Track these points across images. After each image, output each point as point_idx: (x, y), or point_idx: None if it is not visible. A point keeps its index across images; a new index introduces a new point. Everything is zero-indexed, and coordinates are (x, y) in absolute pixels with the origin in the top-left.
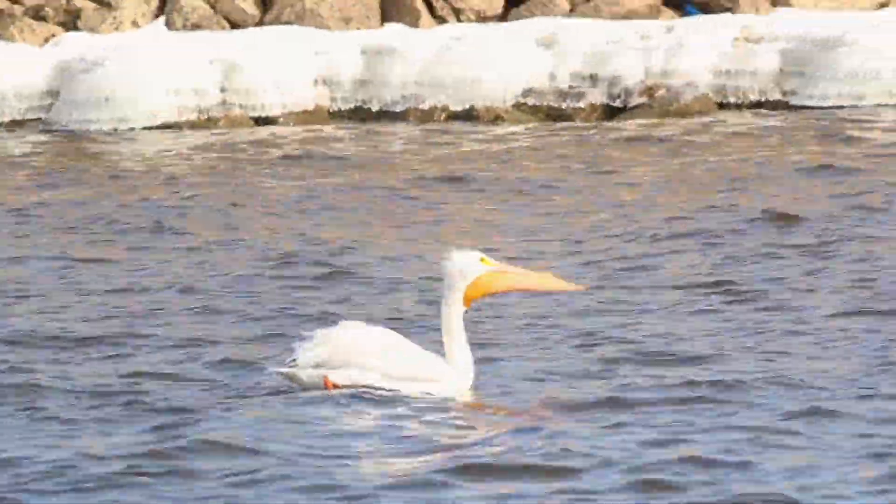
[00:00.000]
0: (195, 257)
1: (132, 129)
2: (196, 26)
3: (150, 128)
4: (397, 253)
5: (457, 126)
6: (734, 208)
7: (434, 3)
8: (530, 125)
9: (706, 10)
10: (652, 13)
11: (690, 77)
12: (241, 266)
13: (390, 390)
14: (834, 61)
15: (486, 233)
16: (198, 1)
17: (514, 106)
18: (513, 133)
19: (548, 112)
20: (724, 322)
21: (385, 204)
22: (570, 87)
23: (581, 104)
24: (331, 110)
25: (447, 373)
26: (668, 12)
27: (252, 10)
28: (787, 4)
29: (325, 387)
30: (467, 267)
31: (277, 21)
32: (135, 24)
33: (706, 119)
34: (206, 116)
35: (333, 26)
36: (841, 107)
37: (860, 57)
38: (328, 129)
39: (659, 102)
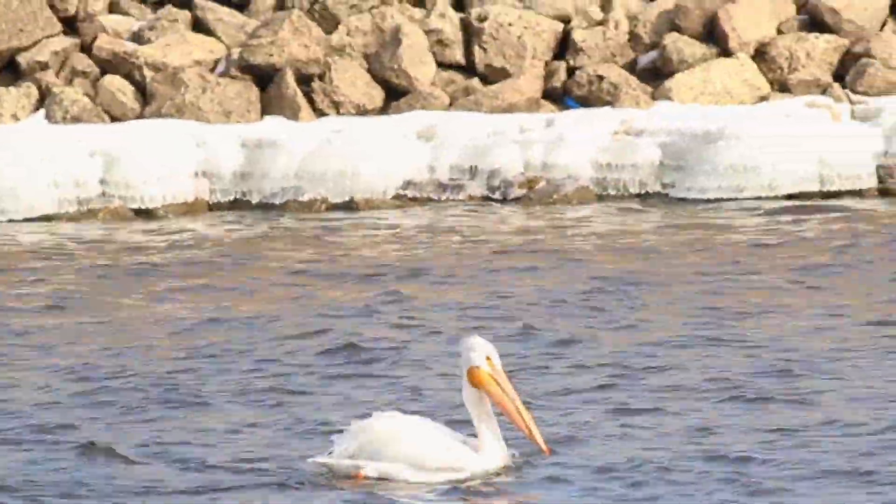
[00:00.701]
0: (67, 362)
1: (11, 220)
2: (76, 119)
3: (31, 219)
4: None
5: (336, 216)
6: (610, 296)
7: (314, 97)
8: (410, 212)
9: (587, 104)
10: (532, 107)
11: (571, 170)
12: (127, 361)
13: (417, 481)
14: (714, 154)
15: (366, 324)
16: (77, 94)
17: (393, 198)
18: (392, 223)
19: (427, 204)
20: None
21: (271, 300)
22: (450, 179)
23: (461, 196)
24: (211, 202)
25: (474, 460)
26: (548, 106)
27: (132, 103)
28: (668, 98)
29: (356, 478)
30: (470, 353)
31: (157, 114)
32: (14, 116)
33: (585, 212)
34: (86, 208)
35: (213, 119)
36: (720, 199)
37: (739, 150)
38: (207, 221)
39: (538, 195)
